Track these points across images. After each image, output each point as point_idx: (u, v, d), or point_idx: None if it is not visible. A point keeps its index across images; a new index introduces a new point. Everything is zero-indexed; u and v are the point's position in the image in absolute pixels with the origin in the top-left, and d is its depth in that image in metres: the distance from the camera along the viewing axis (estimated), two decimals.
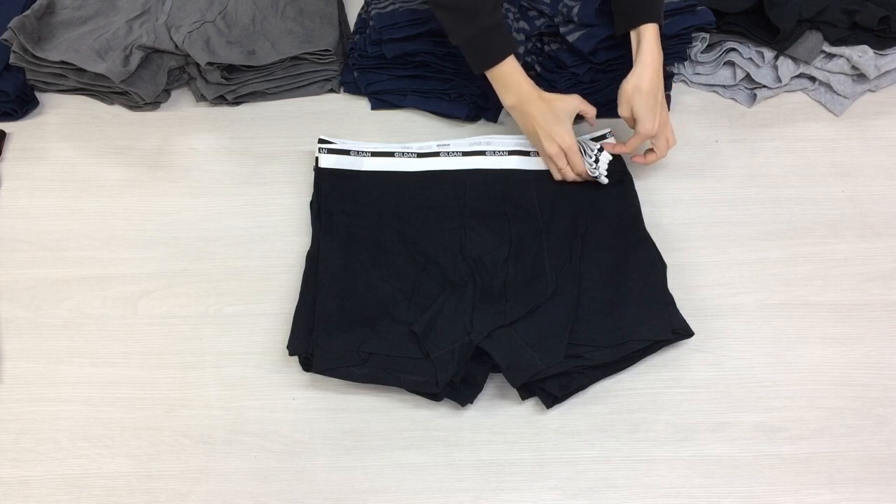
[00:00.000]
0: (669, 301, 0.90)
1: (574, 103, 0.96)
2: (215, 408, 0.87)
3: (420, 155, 1.01)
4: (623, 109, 0.95)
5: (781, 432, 0.85)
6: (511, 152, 1.01)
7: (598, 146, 0.97)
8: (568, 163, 0.96)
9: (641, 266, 0.92)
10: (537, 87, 0.95)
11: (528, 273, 0.90)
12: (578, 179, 0.98)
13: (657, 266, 0.92)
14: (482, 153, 1.01)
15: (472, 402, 0.85)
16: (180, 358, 0.90)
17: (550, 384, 0.84)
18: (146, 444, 0.84)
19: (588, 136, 1.02)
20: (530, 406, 0.87)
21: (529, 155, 1.01)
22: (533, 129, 0.96)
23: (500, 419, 0.86)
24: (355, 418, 0.86)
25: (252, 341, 0.91)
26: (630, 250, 0.93)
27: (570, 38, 1.01)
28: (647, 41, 0.93)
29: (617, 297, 0.89)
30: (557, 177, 0.98)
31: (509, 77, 0.94)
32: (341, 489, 0.82)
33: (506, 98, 0.95)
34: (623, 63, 1.04)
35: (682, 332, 0.88)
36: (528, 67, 1.08)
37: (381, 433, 0.85)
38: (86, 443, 0.85)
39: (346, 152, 1.01)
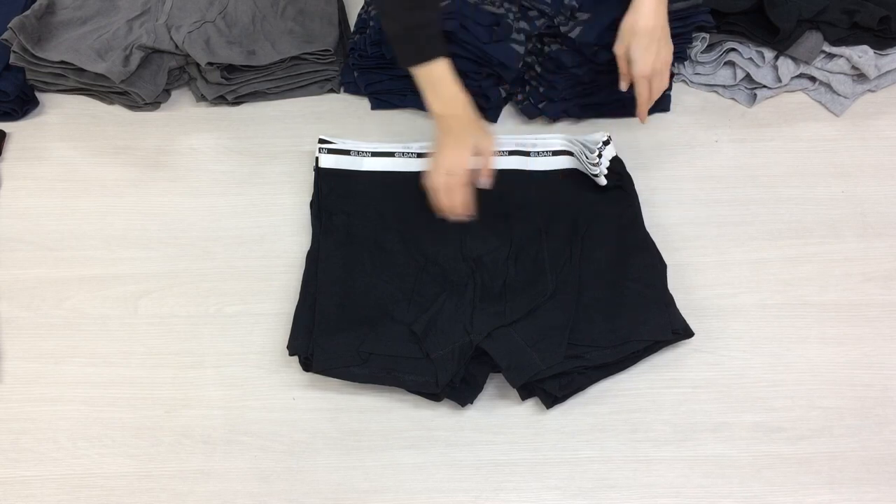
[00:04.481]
0: (669, 301, 0.90)
1: (489, 140, 0.90)
2: (215, 408, 0.87)
3: (420, 155, 1.01)
4: (618, 47, 0.94)
5: (781, 432, 0.85)
6: (511, 152, 1.01)
7: (605, 138, 0.97)
8: (447, 188, 0.90)
9: (641, 266, 0.92)
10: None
11: (528, 273, 0.90)
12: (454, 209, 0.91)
13: (657, 266, 0.92)
14: None
15: (472, 403, 0.85)
16: (180, 358, 0.90)
17: (550, 384, 0.84)
18: (146, 444, 0.84)
19: (588, 139, 1.01)
20: (530, 406, 0.87)
21: (530, 155, 1.01)
22: (454, 140, 0.89)
23: (500, 419, 0.86)
24: (355, 418, 0.86)
25: (252, 341, 0.91)
26: (630, 251, 0.93)
27: (573, 35, 1.01)
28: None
29: (617, 298, 0.89)
30: (442, 192, 0.90)
31: (445, 81, 0.88)
32: (341, 489, 0.82)
33: (436, 104, 0.89)
34: None
35: (682, 332, 0.88)
36: (528, 67, 1.08)
37: (381, 433, 0.85)
38: (86, 443, 0.85)
39: (346, 152, 1.01)
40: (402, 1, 0.86)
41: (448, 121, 0.89)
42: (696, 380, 0.88)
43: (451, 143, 0.89)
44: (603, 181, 0.96)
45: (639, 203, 0.98)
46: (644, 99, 0.97)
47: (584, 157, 0.96)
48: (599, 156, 0.95)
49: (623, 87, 0.98)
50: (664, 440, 0.84)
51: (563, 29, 1.02)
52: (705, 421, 0.85)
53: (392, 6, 0.87)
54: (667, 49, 0.94)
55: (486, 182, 0.91)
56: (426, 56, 0.87)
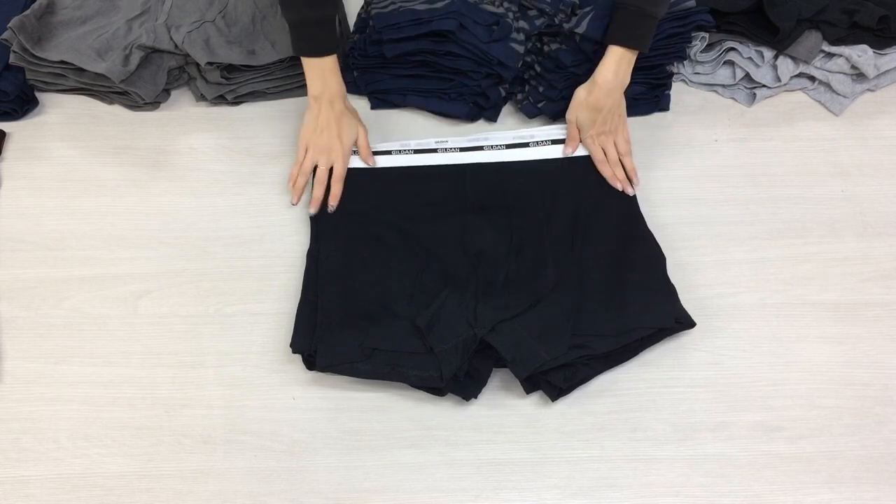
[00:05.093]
0: (671, 290, 0.90)
1: (363, 133, 1.01)
2: (215, 408, 0.87)
3: (417, 151, 1.02)
4: (570, 113, 1.00)
5: (781, 431, 0.85)
6: (509, 146, 1.02)
7: None
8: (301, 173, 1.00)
9: (642, 256, 0.92)
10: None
11: (530, 266, 0.91)
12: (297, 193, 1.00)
13: (657, 257, 0.93)
14: (480, 148, 1.01)
15: (476, 397, 0.85)
16: (180, 358, 0.90)
17: (555, 376, 0.84)
18: (146, 444, 0.84)
19: None
20: (530, 405, 0.87)
21: (529, 146, 1.01)
22: (323, 122, 0.98)
23: (501, 418, 0.86)
24: (356, 417, 0.86)
25: (252, 341, 0.91)
26: (630, 241, 0.94)
27: (580, 30, 1.00)
28: (606, 61, 0.96)
29: (619, 288, 0.89)
30: (302, 170, 1.00)
31: (327, 72, 0.96)
32: (342, 489, 0.82)
33: (314, 87, 0.97)
34: None
35: (684, 321, 0.88)
36: (527, 67, 1.08)
37: (381, 433, 0.85)
38: (86, 442, 0.85)
39: None
40: None
41: (323, 103, 0.97)
42: (695, 379, 0.88)
43: (327, 130, 0.98)
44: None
45: (636, 197, 0.98)
46: (599, 158, 1.00)
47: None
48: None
49: (569, 150, 1.01)
50: (664, 439, 0.84)
51: (566, 26, 1.02)
52: (705, 420, 0.85)
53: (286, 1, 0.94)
54: (616, 125, 1.00)
55: (370, 162, 1.00)
56: (319, 51, 0.95)
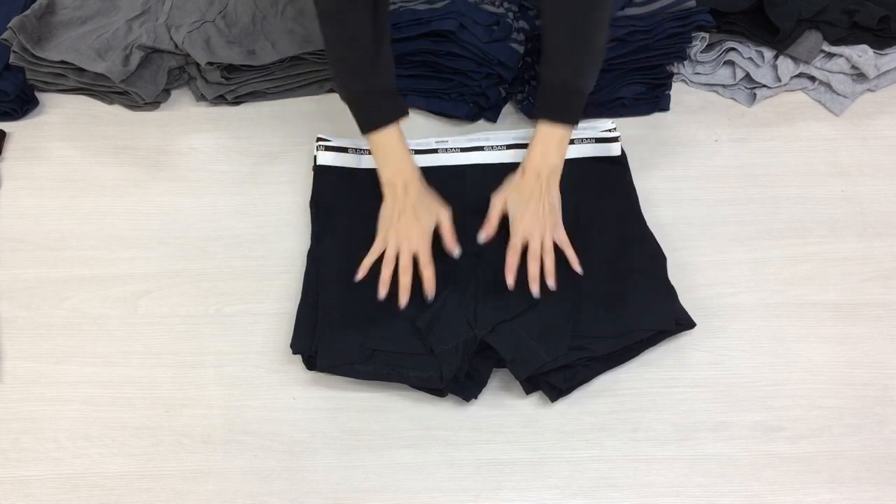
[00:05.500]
0: (671, 292, 0.90)
1: (446, 217, 0.90)
2: (215, 407, 0.87)
3: (418, 151, 1.01)
4: (495, 196, 0.90)
5: (781, 431, 0.85)
6: (509, 146, 1.01)
7: (612, 125, 1.03)
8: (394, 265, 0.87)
9: (643, 258, 0.92)
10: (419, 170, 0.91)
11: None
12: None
13: (657, 257, 0.93)
14: (480, 148, 1.01)
15: (476, 398, 0.85)
16: (180, 358, 0.90)
17: (555, 377, 0.84)
18: (146, 444, 0.84)
19: (598, 127, 1.02)
20: (530, 405, 0.87)
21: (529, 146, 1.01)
22: (399, 207, 0.88)
23: (500, 418, 0.86)
24: (355, 417, 0.86)
25: (252, 341, 0.91)
26: (631, 242, 0.94)
27: None
28: (533, 141, 0.88)
29: (619, 289, 0.89)
30: (401, 271, 0.87)
31: (396, 150, 0.89)
32: (341, 488, 0.82)
33: (385, 170, 0.89)
34: (623, 63, 1.05)
35: (684, 322, 0.88)
36: (528, 67, 1.08)
37: (380, 433, 0.85)
38: (86, 442, 0.85)
39: (345, 150, 1.02)
40: (342, 71, 0.89)
41: (398, 188, 0.89)
42: (696, 379, 0.88)
43: (408, 215, 0.88)
44: (617, 150, 1.00)
45: (637, 197, 0.98)
46: (511, 264, 0.86)
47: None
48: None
49: (482, 237, 0.89)
50: (664, 439, 0.84)
51: None
52: (705, 420, 0.85)
53: (336, 77, 0.91)
54: (551, 219, 0.87)
55: (456, 252, 0.89)
56: (370, 125, 0.89)
